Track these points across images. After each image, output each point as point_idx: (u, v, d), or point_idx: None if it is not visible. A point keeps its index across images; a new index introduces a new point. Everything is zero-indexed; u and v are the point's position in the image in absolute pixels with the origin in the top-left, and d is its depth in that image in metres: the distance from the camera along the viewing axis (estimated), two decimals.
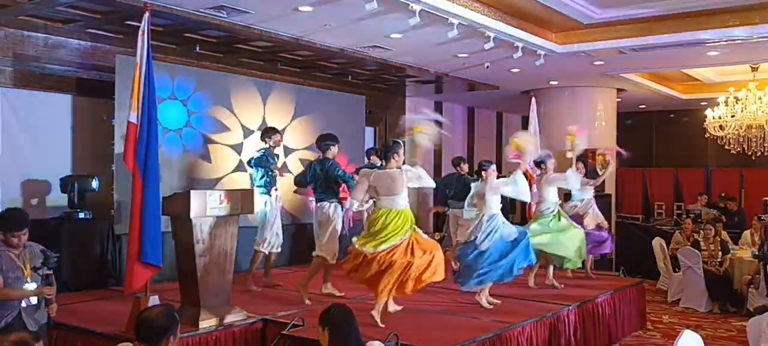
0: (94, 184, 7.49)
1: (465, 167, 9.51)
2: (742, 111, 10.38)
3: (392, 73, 10.50)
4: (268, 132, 7.62)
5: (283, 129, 9.08)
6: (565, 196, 8.86)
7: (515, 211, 12.20)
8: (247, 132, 8.98)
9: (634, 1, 7.91)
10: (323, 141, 7.18)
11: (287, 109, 9.55)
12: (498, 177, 6.75)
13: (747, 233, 10.42)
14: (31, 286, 4.41)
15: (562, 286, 7.49)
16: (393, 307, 6.02)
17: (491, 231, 6.36)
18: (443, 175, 11.49)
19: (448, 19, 7.06)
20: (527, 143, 6.72)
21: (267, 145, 7.46)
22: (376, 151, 8.34)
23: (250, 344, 5.67)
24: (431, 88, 12.13)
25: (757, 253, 8.94)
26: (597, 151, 10.95)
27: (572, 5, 7.95)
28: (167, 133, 8.00)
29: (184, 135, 8.29)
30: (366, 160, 8.81)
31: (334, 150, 7.13)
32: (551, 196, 7.64)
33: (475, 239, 6.38)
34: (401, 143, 5.98)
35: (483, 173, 6.61)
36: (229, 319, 5.60)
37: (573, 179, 7.64)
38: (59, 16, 7.11)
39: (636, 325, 7.94)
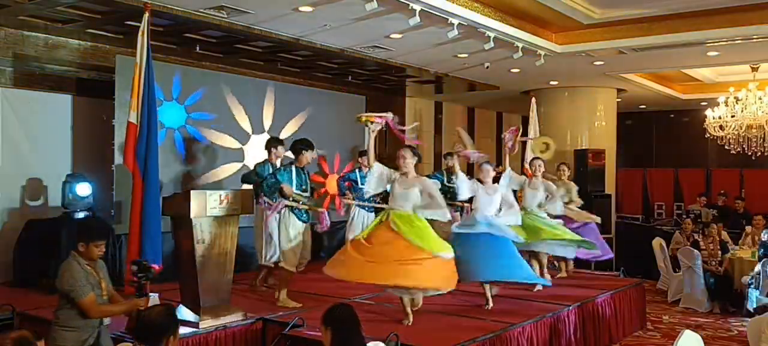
0: (84, 190, 7.23)
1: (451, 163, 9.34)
2: (742, 111, 10.37)
3: (392, 73, 10.50)
4: (270, 142, 7.38)
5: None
6: None
7: None
8: (247, 132, 8.98)
9: (634, 1, 7.91)
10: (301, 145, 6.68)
11: (287, 109, 9.55)
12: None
13: (748, 230, 10.40)
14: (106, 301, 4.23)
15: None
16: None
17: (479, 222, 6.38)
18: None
19: (448, 19, 7.06)
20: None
21: (267, 156, 7.25)
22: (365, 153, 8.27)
23: (250, 344, 5.67)
24: (431, 88, 12.13)
25: (758, 252, 8.97)
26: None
27: (572, 5, 7.95)
28: (167, 133, 8.01)
29: (184, 135, 8.29)
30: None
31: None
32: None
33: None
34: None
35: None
36: (229, 319, 5.59)
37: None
38: (59, 16, 7.11)
39: (636, 325, 7.93)
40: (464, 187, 6.48)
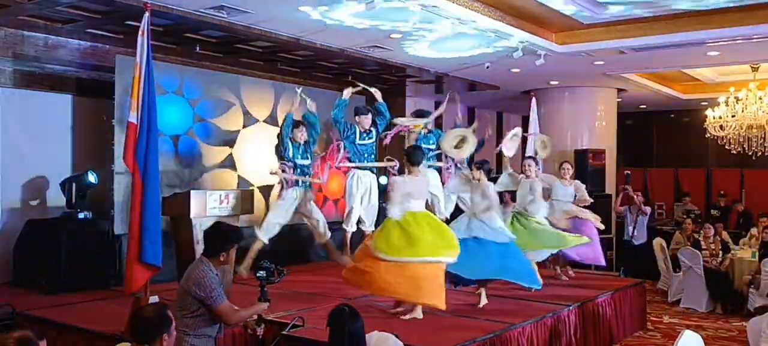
0: (92, 178, 7.37)
1: None
2: (742, 111, 10.36)
3: (392, 73, 10.49)
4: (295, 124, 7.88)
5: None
6: None
7: None
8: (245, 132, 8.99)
9: (634, 1, 7.90)
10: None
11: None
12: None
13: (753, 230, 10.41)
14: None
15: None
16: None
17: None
18: None
19: (448, 19, 7.05)
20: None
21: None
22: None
23: (249, 344, 5.66)
24: (431, 88, 12.12)
25: (757, 252, 8.99)
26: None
27: (572, 5, 7.94)
28: (166, 133, 8.00)
29: (184, 135, 8.29)
30: None
31: None
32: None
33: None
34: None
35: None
36: None
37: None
38: (59, 16, 7.10)
39: (636, 325, 7.94)
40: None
